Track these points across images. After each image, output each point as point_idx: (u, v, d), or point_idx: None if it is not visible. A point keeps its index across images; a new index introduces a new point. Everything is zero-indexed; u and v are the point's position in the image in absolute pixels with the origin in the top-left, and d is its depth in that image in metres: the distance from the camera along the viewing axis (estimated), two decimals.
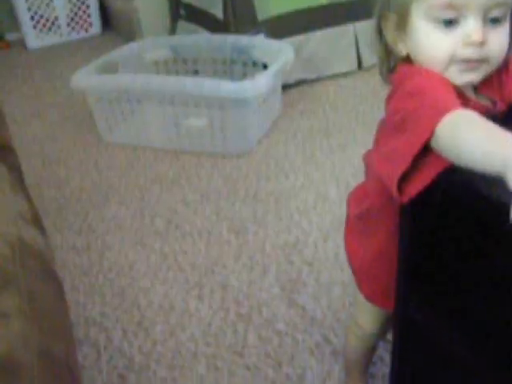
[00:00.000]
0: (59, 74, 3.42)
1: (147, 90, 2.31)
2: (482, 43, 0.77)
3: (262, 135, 2.41)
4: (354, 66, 3.02)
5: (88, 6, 4.26)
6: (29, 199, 1.02)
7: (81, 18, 4.28)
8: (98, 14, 4.34)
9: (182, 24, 3.37)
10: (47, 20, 4.15)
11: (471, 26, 0.77)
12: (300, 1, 2.84)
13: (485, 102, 0.84)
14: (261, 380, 1.35)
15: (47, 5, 4.10)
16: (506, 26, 0.78)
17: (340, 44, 2.96)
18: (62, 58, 3.83)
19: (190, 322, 1.53)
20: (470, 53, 0.78)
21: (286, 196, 2.02)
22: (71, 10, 4.23)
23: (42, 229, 0.96)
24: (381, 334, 1.18)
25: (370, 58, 2.98)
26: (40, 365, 0.67)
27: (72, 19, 4.25)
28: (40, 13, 4.10)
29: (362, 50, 3.01)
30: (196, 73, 2.90)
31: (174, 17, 3.44)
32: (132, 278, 1.70)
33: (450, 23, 0.78)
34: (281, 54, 2.43)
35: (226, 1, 2.73)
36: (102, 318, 1.57)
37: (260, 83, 2.15)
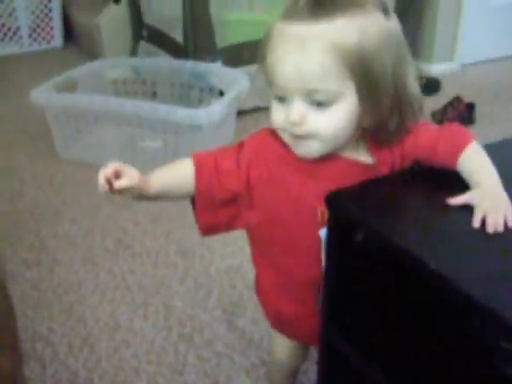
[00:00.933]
0: (17, 85, 3.46)
1: (105, 111, 2.39)
2: (299, 123, 0.84)
3: None
4: None
5: (51, 18, 4.32)
6: None
7: (43, 29, 4.34)
8: (60, 26, 4.40)
9: (143, 45, 3.45)
10: (9, 29, 4.20)
11: (293, 107, 0.84)
12: (257, 32, 2.94)
13: (364, 162, 0.94)
14: None
15: (10, 14, 4.15)
16: (337, 107, 0.84)
17: None
18: (22, 68, 3.87)
19: (134, 339, 1.60)
20: (292, 129, 0.86)
21: None
22: (34, 21, 4.28)
23: None
24: (295, 361, 1.26)
25: None
26: None
27: (34, 30, 4.31)
28: (2, 21, 4.13)
29: None
30: (154, 95, 2.98)
31: (136, 37, 3.51)
32: (80, 295, 1.77)
33: (282, 100, 0.87)
34: (236, 82, 2.53)
35: (187, 27, 2.82)
36: (49, 332, 1.63)
37: (214, 111, 2.25)
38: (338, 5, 0.81)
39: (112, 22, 3.64)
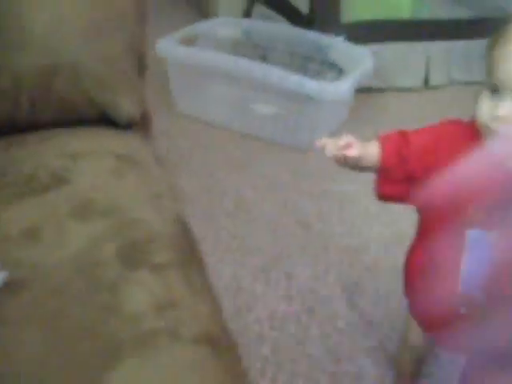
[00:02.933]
0: None
1: (228, 70, 2.40)
2: (505, 119, 0.89)
3: (329, 135, 2.50)
4: (421, 83, 3.10)
5: None
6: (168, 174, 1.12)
7: None
8: None
9: (258, 7, 3.43)
10: None
11: (504, 102, 0.89)
12: (382, 11, 2.92)
13: None
14: (320, 371, 1.46)
15: None
16: None
17: (411, 60, 3.03)
18: None
19: (255, 304, 1.63)
20: (493, 125, 0.91)
21: (349, 199, 2.12)
22: None
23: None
24: (426, 349, 1.28)
25: (439, 77, 3.07)
26: None
27: None
28: None
29: (430, 69, 3.08)
30: (266, 60, 2.97)
31: None
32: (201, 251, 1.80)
33: (495, 91, 0.90)
34: (359, 59, 2.51)
35: None
36: None
37: (342, 88, 2.24)
38: None
39: None
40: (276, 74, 2.29)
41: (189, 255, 0.80)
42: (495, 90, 0.90)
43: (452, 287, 1.04)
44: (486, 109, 0.92)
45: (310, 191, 2.15)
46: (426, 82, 3.10)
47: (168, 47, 2.52)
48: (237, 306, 1.62)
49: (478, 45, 3.10)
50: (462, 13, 3.12)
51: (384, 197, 1.09)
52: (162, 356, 0.59)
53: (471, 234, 0.98)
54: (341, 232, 1.94)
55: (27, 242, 0.73)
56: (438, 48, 3.02)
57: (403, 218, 1.98)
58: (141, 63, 1.10)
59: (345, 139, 1.02)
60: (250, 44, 2.99)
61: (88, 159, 0.91)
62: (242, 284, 1.70)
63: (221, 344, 0.66)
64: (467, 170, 0.92)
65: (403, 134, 1.05)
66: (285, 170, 2.26)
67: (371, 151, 1.04)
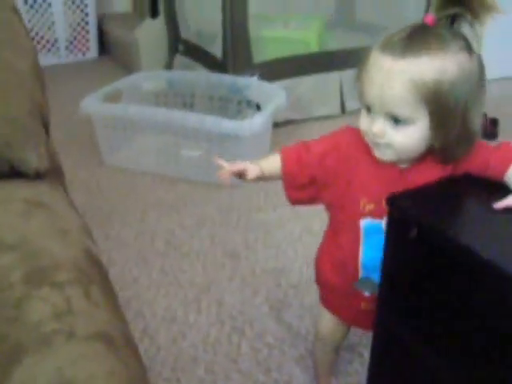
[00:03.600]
0: (58, 95, 3.61)
1: (152, 121, 2.54)
2: (379, 136, 1.03)
3: None
4: (338, 110, 3.29)
5: (87, 31, 4.48)
6: (80, 215, 1.23)
7: (79, 41, 4.50)
8: (96, 39, 4.56)
9: (178, 59, 3.61)
10: (47, 41, 4.36)
11: (376, 122, 1.03)
12: (292, 48, 3.12)
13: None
14: (252, 383, 1.57)
15: (49, 27, 4.32)
16: (410, 128, 1.01)
17: (326, 89, 3.23)
18: (60, 79, 4.02)
19: (190, 331, 1.74)
20: (370, 139, 1.07)
21: (274, 226, 2.26)
22: (71, 34, 4.45)
23: (94, 241, 1.18)
24: (336, 337, 1.42)
25: (354, 103, 3.25)
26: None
27: (71, 42, 4.47)
28: (41, 34, 4.30)
29: (345, 96, 3.28)
30: (191, 107, 3.13)
31: (173, 51, 3.67)
32: (136, 292, 1.91)
33: (368, 110, 1.05)
34: (274, 96, 2.69)
35: (226, 42, 2.97)
36: None
37: (257, 123, 2.40)
38: (425, 45, 0.96)
39: (149, 36, 3.80)
40: (193, 119, 2.44)
41: (90, 276, 0.91)
42: (369, 109, 1.04)
43: (354, 273, 1.20)
44: (364, 124, 1.07)
45: (237, 223, 2.28)
46: (343, 108, 3.29)
47: (91, 104, 2.65)
48: (172, 335, 1.73)
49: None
50: (367, 40, 3.32)
51: (294, 201, 1.23)
52: (58, 352, 0.71)
53: (364, 223, 1.14)
54: (266, 257, 2.07)
55: None
56: (349, 75, 3.21)
57: (320, 237, 2.12)
58: (44, 121, 1.22)
59: (238, 166, 1.16)
60: (173, 94, 3.15)
61: None
62: (176, 314, 1.81)
63: (116, 343, 0.77)
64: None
65: (304, 143, 1.19)
66: (212, 207, 2.40)
67: (273, 163, 1.19)
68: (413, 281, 1.12)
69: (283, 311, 1.81)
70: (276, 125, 3.02)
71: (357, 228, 1.15)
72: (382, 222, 1.11)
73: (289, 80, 3.09)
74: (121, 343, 0.79)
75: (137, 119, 2.59)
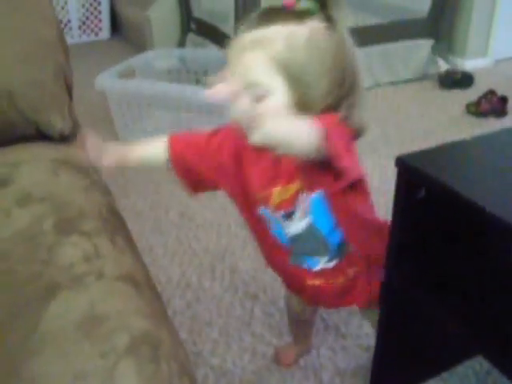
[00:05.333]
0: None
1: (165, 97, 2.59)
2: (243, 112, 0.98)
3: None
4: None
5: (100, 12, 4.53)
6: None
7: (92, 22, 4.56)
8: (108, 19, 4.61)
9: (191, 37, 3.65)
10: (60, 22, 4.41)
11: (240, 98, 0.99)
12: None
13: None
14: (265, 345, 1.63)
15: (62, 7, 4.37)
16: (273, 99, 0.97)
17: None
18: (73, 59, 4.05)
19: (204, 296, 1.80)
20: (242, 122, 1.01)
21: None
22: (83, 14, 4.50)
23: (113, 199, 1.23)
24: (298, 314, 1.49)
25: (365, 80, 3.30)
26: None
27: (83, 23, 4.53)
28: None
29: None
30: (204, 85, 3.17)
31: (185, 30, 3.71)
32: (152, 259, 1.97)
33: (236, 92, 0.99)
34: None
35: (238, 20, 3.01)
36: None
37: None
38: (278, 16, 0.96)
39: (162, 15, 3.84)
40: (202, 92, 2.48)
41: (114, 226, 0.97)
42: (234, 95, 0.99)
43: (280, 255, 1.23)
44: (232, 111, 1.02)
45: None
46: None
47: (106, 81, 2.70)
48: (187, 300, 1.79)
49: (395, 47, 3.36)
50: (375, 19, 3.37)
51: (194, 189, 1.24)
52: (90, 290, 0.76)
53: (262, 210, 1.14)
54: None
55: None
56: (359, 53, 3.25)
57: None
58: (68, 86, 1.28)
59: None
60: (185, 71, 3.19)
61: (27, 165, 1.08)
62: (191, 281, 1.87)
63: (141, 284, 0.83)
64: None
65: (193, 135, 1.20)
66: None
67: (157, 149, 1.22)
68: (421, 241, 1.17)
69: None
70: None
71: (257, 216, 1.16)
72: (268, 211, 1.13)
73: None
74: (145, 285, 0.85)
75: (150, 95, 2.64)
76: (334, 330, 1.67)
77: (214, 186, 1.22)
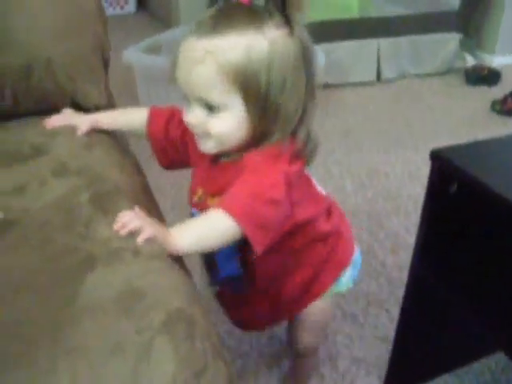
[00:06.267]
0: None
1: None
2: (193, 125, 0.94)
3: None
4: (373, 77, 3.31)
5: None
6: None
7: None
8: None
9: None
10: None
11: (190, 110, 0.94)
12: (333, 11, 3.14)
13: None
14: (283, 328, 1.63)
15: None
16: (225, 114, 0.91)
17: (363, 56, 3.25)
18: None
19: None
20: (192, 129, 0.97)
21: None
22: None
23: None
24: None
25: (390, 71, 3.28)
26: None
27: None
28: None
29: (382, 64, 3.30)
30: None
31: (212, 5, 3.69)
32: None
33: (187, 100, 0.94)
34: None
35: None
36: None
37: None
38: (233, 22, 0.88)
39: None
40: None
41: (147, 205, 0.98)
42: (187, 99, 0.94)
43: None
44: (185, 115, 0.96)
45: None
46: (379, 76, 3.32)
47: (133, 55, 2.70)
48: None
49: (423, 39, 3.34)
50: (404, 10, 3.35)
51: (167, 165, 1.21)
52: (127, 265, 0.76)
53: (193, 212, 1.12)
54: None
55: (17, 194, 0.90)
56: (387, 44, 3.24)
57: (351, 197, 2.17)
58: (104, 59, 1.28)
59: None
60: None
61: (63, 136, 1.08)
62: None
63: (174, 263, 0.84)
64: None
65: (172, 111, 1.13)
66: None
67: (137, 116, 1.18)
68: (450, 235, 1.17)
69: None
70: None
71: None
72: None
73: (327, 44, 3.11)
74: (178, 264, 0.85)
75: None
76: (351, 319, 1.67)
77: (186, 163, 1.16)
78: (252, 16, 0.89)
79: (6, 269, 0.76)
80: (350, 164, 2.46)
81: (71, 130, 1.11)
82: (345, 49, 3.20)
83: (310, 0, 3.12)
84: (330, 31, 3.12)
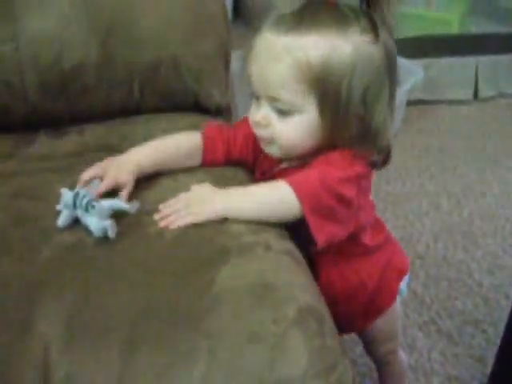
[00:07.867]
0: None
1: None
2: (261, 125, 0.89)
3: None
4: (470, 95, 3.26)
5: None
6: None
7: None
8: (231, 3, 4.66)
9: None
10: None
11: (260, 109, 0.89)
12: (432, 27, 3.11)
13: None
14: None
15: None
16: (296, 119, 0.87)
17: (461, 73, 3.20)
18: None
19: None
20: (257, 131, 0.93)
21: (402, 199, 2.29)
22: None
23: None
24: None
25: (488, 90, 3.22)
26: None
27: None
28: None
29: (480, 82, 3.24)
30: None
31: None
32: None
33: (257, 98, 0.91)
34: (412, 72, 2.70)
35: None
36: None
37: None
38: (316, 21, 0.85)
39: (287, 2, 3.85)
40: None
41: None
42: (257, 97, 0.91)
43: None
44: (251, 114, 0.93)
45: None
46: (476, 94, 3.26)
47: (234, 64, 2.74)
48: None
49: None
50: (505, 28, 3.28)
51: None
52: (260, 259, 0.79)
53: None
54: (393, 226, 2.10)
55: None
56: (486, 61, 3.17)
57: (447, 215, 2.15)
58: (226, 61, 1.32)
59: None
60: None
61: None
62: None
63: (302, 261, 0.86)
64: None
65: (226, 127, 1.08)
66: None
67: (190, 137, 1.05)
68: None
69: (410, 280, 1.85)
70: (408, 103, 3.03)
71: None
72: None
73: (425, 59, 3.08)
74: (303, 262, 0.87)
75: None
76: (446, 336, 1.65)
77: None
78: (338, 17, 0.86)
79: (143, 255, 0.80)
80: (446, 182, 2.43)
81: (186, 129, 1.11)
82: (442, 65, 3.15)
83: (409, 15, 3.12)
84: (427, 47, 3.09)
